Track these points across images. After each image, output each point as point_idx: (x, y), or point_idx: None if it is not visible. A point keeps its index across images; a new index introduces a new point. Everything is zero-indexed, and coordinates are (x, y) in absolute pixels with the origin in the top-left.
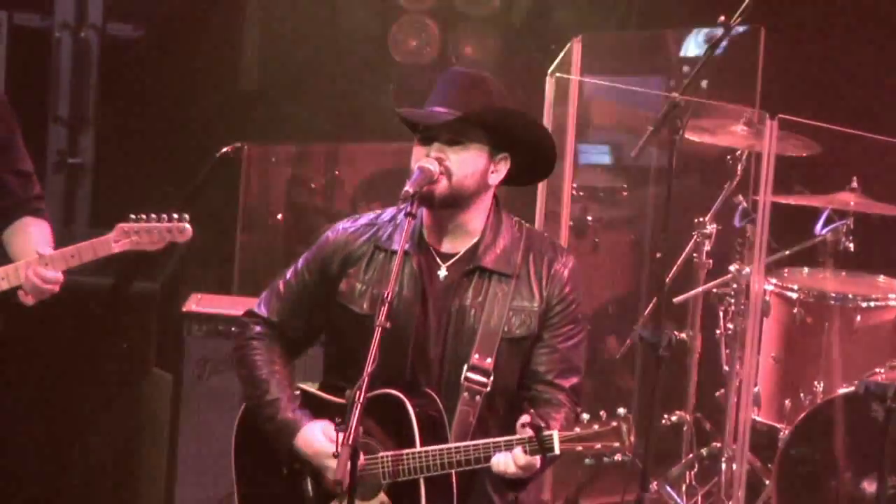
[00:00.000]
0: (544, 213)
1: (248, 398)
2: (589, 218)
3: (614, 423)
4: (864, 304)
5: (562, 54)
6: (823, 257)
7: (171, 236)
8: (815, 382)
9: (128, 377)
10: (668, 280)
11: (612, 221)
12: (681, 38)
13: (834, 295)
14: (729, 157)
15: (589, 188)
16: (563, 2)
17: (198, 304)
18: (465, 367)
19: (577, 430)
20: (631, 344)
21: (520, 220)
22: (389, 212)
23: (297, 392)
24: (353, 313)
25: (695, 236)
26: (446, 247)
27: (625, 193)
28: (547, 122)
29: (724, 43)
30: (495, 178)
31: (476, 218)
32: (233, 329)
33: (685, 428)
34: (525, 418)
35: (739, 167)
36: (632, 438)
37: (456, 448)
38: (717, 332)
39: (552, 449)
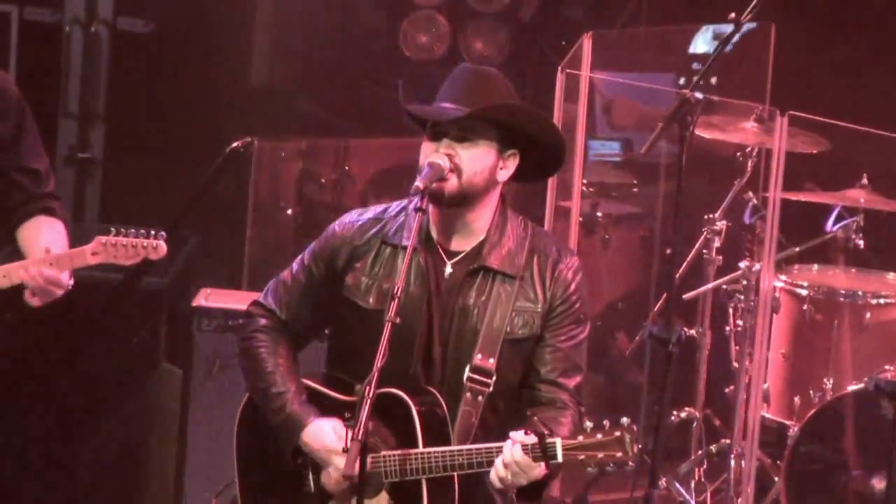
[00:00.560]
0: (554, 208)
1: (253, 390)
2: (599, 214)
3: (617, 433)
4: (874, 301)
5: (572, 51)
6: (833, 254)
7: (145, 252)
8: (825, 379)
9: (137, 372)
10: (677, 276)
11: (621, 217)
12: (690, 34)
13: (844, 292)
14: (739, 153)
15: (599, 184)
16: None
17: (207, 298)
18: (468, 367)
19: (581, 438)
20: (640, 340)
21: (525, 219)
22: (396, 206)
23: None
24: (359, 308)
25: (705, 233)
26: (453, 244)
27: (635, 190)
28: (557, 118)
29: (734, 39)
30: (504, 174)
31: (483, 216)
32: (238, 321)
33: (694, 424)
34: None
35: (750, 164)
36: (635, 448)
37: (459, 451)
38: (727, 328)
39: (555, 456)
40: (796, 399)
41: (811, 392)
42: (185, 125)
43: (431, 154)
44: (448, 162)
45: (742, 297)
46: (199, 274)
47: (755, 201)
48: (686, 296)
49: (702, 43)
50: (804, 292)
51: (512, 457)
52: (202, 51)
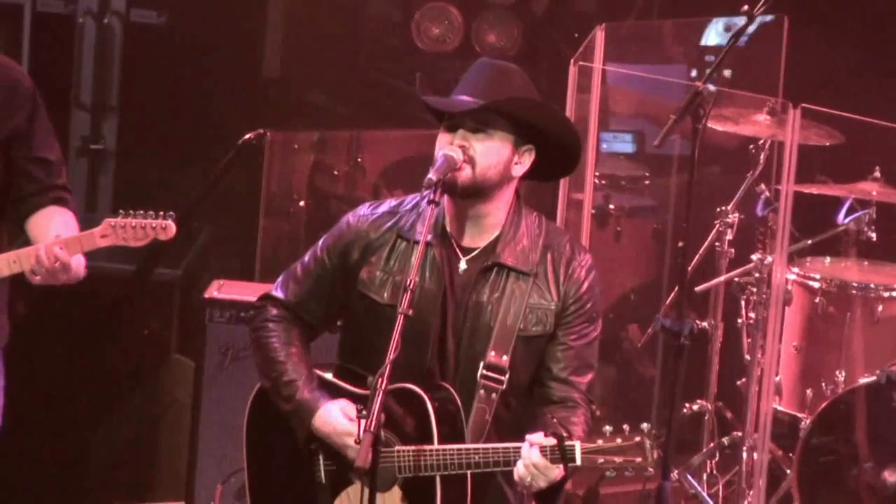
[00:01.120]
0: (566, 201)
1: (265, 379)
2: (611, 206)
3: (637, 438)
4: (886, 294)
5: (585, 43)
6: (845, 247)
7: (154, 232)
8: (837, 372)
9: (149, 363)
10: (690, 269)
11: (634, 210)
12: (703, 27)
13: (856, 284)
14: (752, 146)
15: (611, 176)
16: None
17: (219, 290)
18: (482, 364)
19: (600, 442)
20: (653, 332)
21: (540, 216)
22: (411, 199)
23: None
24: (374, 302)
25: (717, 225)
26: (467, 240)
27: (647, 182)
28: (570, 110)
29: (747, 32)
30: (519, 169)
31: (497, 211)
32: (249, 312)
33: (706, 417)
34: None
35: (762, 156)
36: (655, 454)
37: (476, 449)
38: (739, 321)
39: (574, 459)
40: (808, 391)
41: (823, 384)
42: (198, 117)
43: (446, 146)
44: (462, 154)
45: (754, 290)
46: (212, 265)
47: (767, 194)
48: (698, 288)
49: (714, 35)
50: (816, 285)
51: (530, 459)
52: (215, 43)
